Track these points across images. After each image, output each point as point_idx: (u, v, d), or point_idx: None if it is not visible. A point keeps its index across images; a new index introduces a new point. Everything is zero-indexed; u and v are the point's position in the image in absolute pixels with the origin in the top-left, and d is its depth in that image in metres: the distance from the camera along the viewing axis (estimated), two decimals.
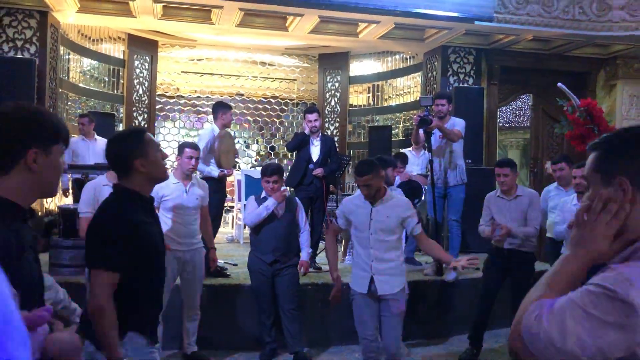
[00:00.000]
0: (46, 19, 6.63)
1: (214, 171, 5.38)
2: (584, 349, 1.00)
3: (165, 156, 2.53)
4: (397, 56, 9.12)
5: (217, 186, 5.32)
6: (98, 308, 1.99)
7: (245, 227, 7.12)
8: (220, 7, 6.53)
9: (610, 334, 0.99)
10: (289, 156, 9.94)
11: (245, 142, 10.35)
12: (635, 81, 8.26)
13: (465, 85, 7.88)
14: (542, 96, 8.54)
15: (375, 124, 9.27)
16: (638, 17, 7.08)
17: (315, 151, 5.71)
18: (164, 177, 2.28)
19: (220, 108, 5.59)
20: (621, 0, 7.07)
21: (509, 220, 4.42)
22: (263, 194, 4.53)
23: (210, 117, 9.56)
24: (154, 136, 9.02)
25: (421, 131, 5.48)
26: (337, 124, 9.47)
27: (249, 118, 10.08)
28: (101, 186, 4.02)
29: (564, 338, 1.01)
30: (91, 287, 2.04)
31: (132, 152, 2.13)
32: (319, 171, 5.62)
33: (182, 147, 4.58)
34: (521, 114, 14.80)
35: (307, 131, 5.69)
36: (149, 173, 2.16)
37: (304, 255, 4.57)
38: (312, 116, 5.62)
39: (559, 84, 5.86)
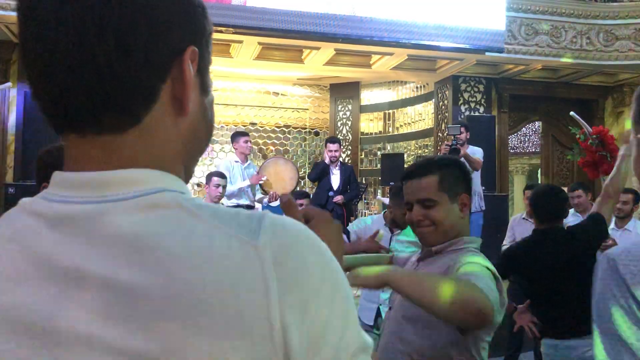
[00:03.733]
0: None
1: (242, 184, 5.57)
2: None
3: None
4: (407, 85, 9.35)
5: None
6: None
7: None
8: (240, 42, 6.77)
9: None
10: (302, 183, 10.11)
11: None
12: None
13: (477, 113, 8.07)
14: (551, 123, 8.74)
15: (387, 151, 9.44)
16: None
17: (335, 180, 5.88)
18: None
19: (234, 137, 5.99)
20: (627, 30, 7.30)
21: None
22: None
23: (226, 146, 9.85)
24: None
25: None
26: (349, 152, 9.64)
27: (262, 147, 10.26)
28: None
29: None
30: None
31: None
32: (338, 198, 5.78)
33: (209, 176, 4.78)
34: (526, 139, 15.03)
35: (327, 160, 5.86)
36: None
37: None
38: (334, 146, 5.82)
39: (572, 113, 6.02)
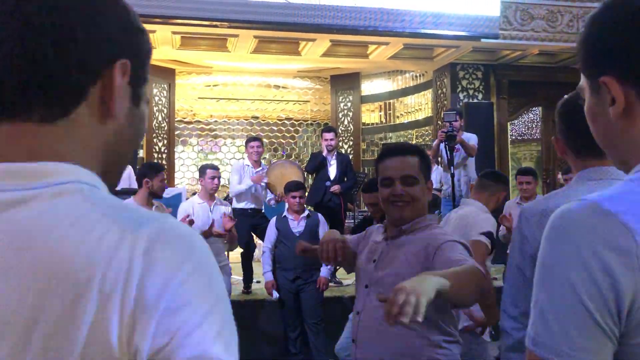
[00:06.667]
0: None
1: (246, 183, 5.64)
2: None
3: None
4: (407, 74, 9.36)
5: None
6: None
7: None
8: (236, 36, 6.83)
9: None
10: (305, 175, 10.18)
11: None
12: None
13: (475, 100, 8.07)
14: (551, 108, 8.69)
15: (388, 141, 9.47)
16: None
17: (332, 170, 5.93)
18: None
19: (245, 143, 6.04)
20: None
21: None
22: (284, 214, 4.73)
23: (228, 140, 9.95)
24: (174, 161, 9.31)
25: (441, 146, 5.61)
26: (351, 142, 9.70)
27: (264, 140, 10.33)
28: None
29: None
30: None
31: None
32: (335, 188, 5.83)
33: (203, 169, 4.85)
34: (533, 126, 14.94)
35: (324, 151, 5.91)
36: None
37: (323, 271, 4.69)
38: (329, 135, 5.88)
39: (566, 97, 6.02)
